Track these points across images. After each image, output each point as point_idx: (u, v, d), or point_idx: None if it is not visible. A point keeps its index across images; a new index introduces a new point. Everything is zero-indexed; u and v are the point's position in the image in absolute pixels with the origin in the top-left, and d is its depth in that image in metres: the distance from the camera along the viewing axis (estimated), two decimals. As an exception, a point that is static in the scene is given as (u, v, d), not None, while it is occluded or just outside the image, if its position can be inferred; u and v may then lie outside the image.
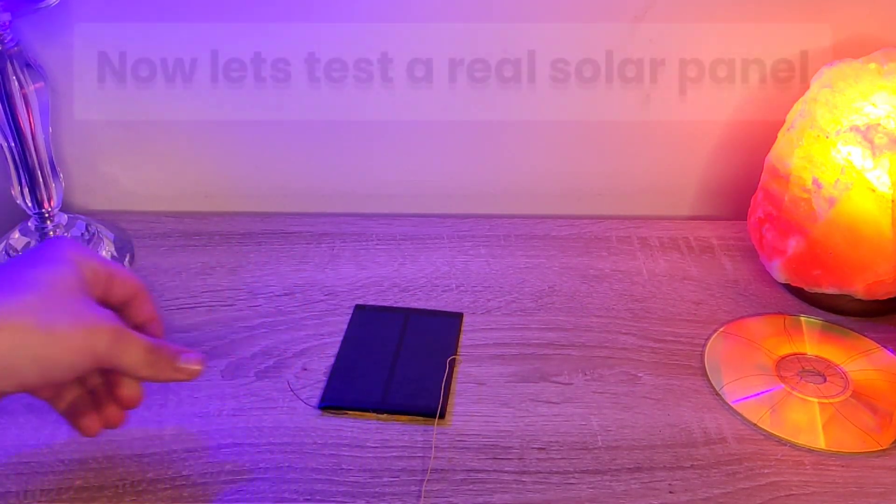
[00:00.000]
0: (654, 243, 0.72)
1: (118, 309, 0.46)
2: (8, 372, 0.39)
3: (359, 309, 0.63)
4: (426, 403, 0.55)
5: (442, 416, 0.54)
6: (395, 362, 0.58)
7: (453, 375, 0.57)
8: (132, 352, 0.43)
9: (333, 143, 0.73)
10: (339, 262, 0.69)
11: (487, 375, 0.58)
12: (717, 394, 0.56)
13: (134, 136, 0.72)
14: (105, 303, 0.45)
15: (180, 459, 0.51)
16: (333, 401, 0.55)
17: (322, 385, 0.57)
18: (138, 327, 0.47)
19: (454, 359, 0.58)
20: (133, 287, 0.47)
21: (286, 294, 0.65)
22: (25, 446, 0.52)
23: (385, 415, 0.54)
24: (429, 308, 0.63)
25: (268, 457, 0.52)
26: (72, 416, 0.47)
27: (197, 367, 0.46)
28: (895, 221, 0.58)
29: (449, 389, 0.56)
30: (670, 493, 0.50)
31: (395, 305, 0.63)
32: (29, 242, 0.66)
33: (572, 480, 0.51)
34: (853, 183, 0.59)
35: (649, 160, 0.74)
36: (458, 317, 0.62)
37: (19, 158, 0.61)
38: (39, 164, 0.62)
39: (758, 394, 0.56)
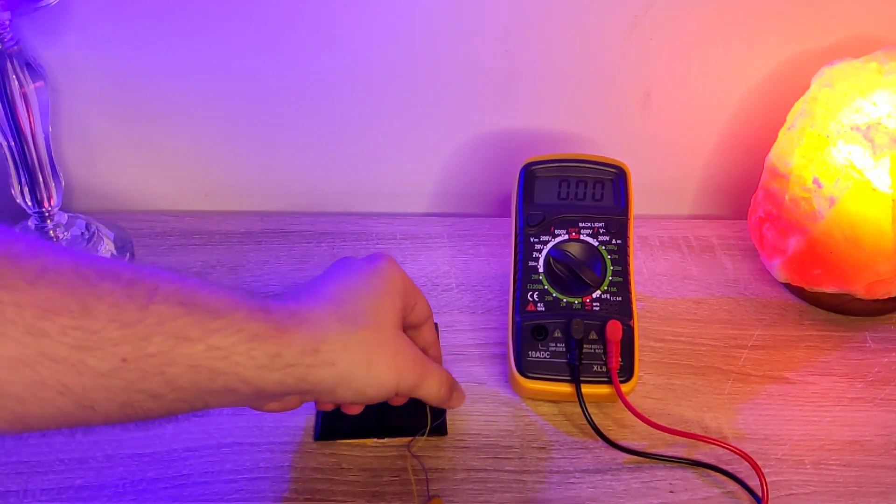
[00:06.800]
0: (654, 242, 0.72)
1: (408, 329, 0.50)
2: (330, 395, 0.43)
3: None
4: (426, 421, 0.53)
5: (445, 432, 0.53)
6: None
7: None
8: (430, 388, 0.47)
9: (334, 143, 0.73)
10: (339, 261, 0.69)
11: (487, 374, 0.58)
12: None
13: (134, 136, 0.72)
14: (404, 325, 0.49)
15: (181, 458, 0.51)
16: (330, 432, 0.53)
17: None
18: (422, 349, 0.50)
19: None
20: (427, 314, 0.51)
21: (286, 293, 0.65)
22: (25, 446, 0.52)
23: (386, 438, 0.53)
24: None
25: (268, 456, 0.52)
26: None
27: (461, 401, 0.51)
28: (896, 221, 0.59)
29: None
30: (671, 492, 0.50)
31: None
32: (29, 242, 0.65)
33: (572, 480, 0.51)
34: (854, 182, 0.59)
35: (649, 160, 0.74)
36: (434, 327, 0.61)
37: (19, 157, 0.61)
38: (39, 163, 0.62)
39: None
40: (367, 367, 0.43)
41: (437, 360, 0.54)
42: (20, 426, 0.35)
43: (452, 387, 0.50)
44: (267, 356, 0.39)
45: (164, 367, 0.36)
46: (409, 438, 0.52)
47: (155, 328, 0.36)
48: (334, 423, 0.53)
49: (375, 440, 0.53)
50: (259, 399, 0.42)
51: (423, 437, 0.52)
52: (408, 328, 0.50)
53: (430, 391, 0.47)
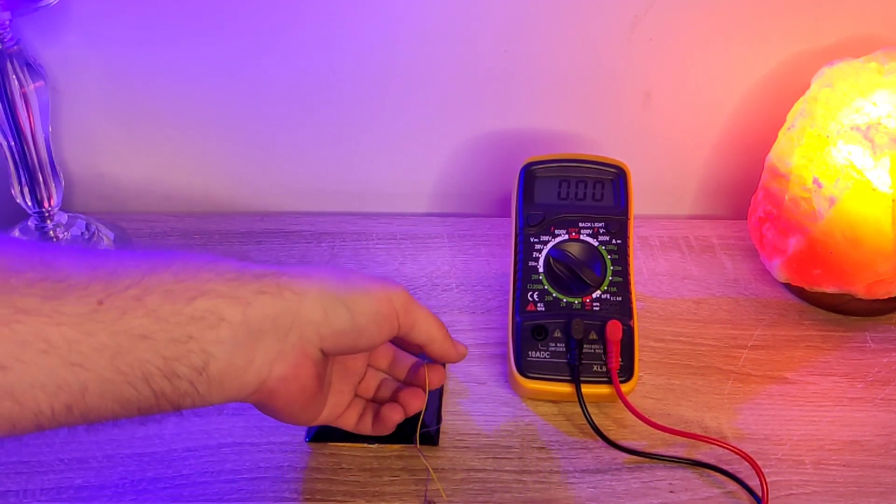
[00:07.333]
0: (654, 242, 0.72)
1: None
2: (324, 316, 0.41)
3: None
4: (420, 429, 0.52)
5: (436, 442, 0.53)
6: None
7: (444, 394, 0.56)
8: (428, 320, 0.46)
9: (334, 143, 0.73)
10: (339, 261, 0.69)
11: (487, 375, 0.58)
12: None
13: (134, 136, 0.72)
14: None
15: (181, 458, 0.51)
16: (322, 434, 0.53)
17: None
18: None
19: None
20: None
21: (286, 293, 0.65)
22: (25, 445, 0.52)
23: (376, 444, 0.52)
24: None
25: (268, 456, 0.52)
26: (366, 422, 0.50)
27: (465, 350, 0.50)
28: (896, 221, 0.59)
29: (441, 414, 0.55)
30: (670, 492, 0.50)
31: None
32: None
33: (572, 480, 0.51)
34: (854, 182, 0.59)
35: (649, 160, 0.74)
36: None
37: (19, 157, 0.61)
38: (39, 163, 0.62)
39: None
40: (344, 280, 0.43)
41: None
42: (9, 403, 0.33)
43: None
44: (233, 270, 0.40)
45: (140, 297, 0.36)
46: (401, 446, 0.52)
47: (119, 266, 0.37)
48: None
49: (365, 447, 0.52)
50: (250, 338, 0.39)
51: (417, 444, 0.52)
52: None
53: (430, 324, 0.46)
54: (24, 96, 0.59)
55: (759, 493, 0.49)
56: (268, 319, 0.40)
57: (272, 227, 0.73)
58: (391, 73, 0.69)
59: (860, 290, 0.61)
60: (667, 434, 0.53)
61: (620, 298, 0.57)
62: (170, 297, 0.37)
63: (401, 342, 0.48)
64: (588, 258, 0.58)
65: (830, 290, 0.62)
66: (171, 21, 0.66)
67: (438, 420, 0.54)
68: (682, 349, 0.61)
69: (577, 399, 0.53)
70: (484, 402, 0.56)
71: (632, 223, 0.60)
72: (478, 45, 0.68)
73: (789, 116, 0.65)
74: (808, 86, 0.64)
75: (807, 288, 0.64)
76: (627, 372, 0.55)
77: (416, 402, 0.50)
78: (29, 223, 0.66)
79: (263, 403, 0.42)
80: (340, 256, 0.69)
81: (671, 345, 0.61)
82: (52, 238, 0.65)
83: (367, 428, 0.50)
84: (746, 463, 0.51)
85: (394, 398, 0.50)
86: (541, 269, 0.58)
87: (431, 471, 0.51)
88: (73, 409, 0.35)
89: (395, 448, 0.52)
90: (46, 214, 0.65)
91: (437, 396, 0.55)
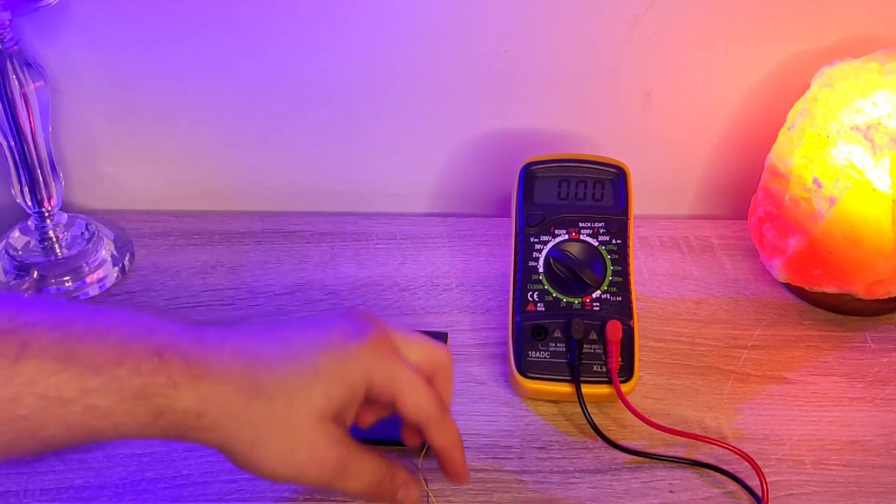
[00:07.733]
0: (654, 242, 0.72)
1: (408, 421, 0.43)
2: (222, 453, 0.39)
3: None
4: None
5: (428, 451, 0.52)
6: None
7: None
8: (351, 486, 0.41)
9: (334, 143, 0.73)
10: (339, 261, 0.69)
11: (487, 374, 0.58)
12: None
13: (134, 136, 0.72)
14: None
15: (181, 458, 0.51)
16: None
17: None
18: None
19: None
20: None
21: (286, 293, 0.65)
22: (25, 446, 0.52)
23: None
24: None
25: (268, 456, 0.52)
26: None
27: (412, 500, 0.44)
28: (896, 221, 0.59)
29: None
30: (670, 492, 0.50)
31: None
32: (28, 241, 0.66)
33: (573, 480, 0.51)
34: (854, 182, 0.59)
35: (649, 159, 0.74)
36: (442, 336, 0.61)
37: (19, 157, 0.61)
38: (39, 163, 0.62)
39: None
40: (251, 447, 0.38)
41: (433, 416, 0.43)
42: None
43: (396, 481, 0.43)
44: (150, 415, 0.36)
45: (36, 431, 0.34)
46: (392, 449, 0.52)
47: (25, 388, 0.33)
48: None
49: None
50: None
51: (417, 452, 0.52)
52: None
53: (352, 489, 0.41)
54: (24, 96, 0.59)
55: (759, 493, 0.49)
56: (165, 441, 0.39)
57: (272, 227, 0.73)
58: (391, 73, 0.69)
59: (860, 290, 0.61)
60: (667, 434, 0.53)
61: (620, 298, 0.57)
62: (71, 431, 0.35)
63: None
64: (588, 258, 0.58)
65: (830, 290, 0.62)
66: (171, 21, 0.66)
67: None
68: (682, 349, 0.61)
69: (577, 399, 0.53)
70: (484, 402, 0.56)
71: (632, 223, 0.60)
72: (478, 45, 0.68)
73: (789, 116, 0.65)
74: (808, 86, 0.64)
75: (807, 288, 0.64)
76: (627, 372, 0.55)
77: None
78: (29, 223, 0.66)
79: None
80: (340, 257, 0.69)
81: (671, 345, 0.61)
82: (51, 238, 0.66)
83: None
84: (746, 463, 0.51)
85: None
86: (541, 269, 0.58)
87: (425, 485, 0.51)
88: None
89: (395, 449, 0.52)
90: (46, 214, 0.65)
91: None
